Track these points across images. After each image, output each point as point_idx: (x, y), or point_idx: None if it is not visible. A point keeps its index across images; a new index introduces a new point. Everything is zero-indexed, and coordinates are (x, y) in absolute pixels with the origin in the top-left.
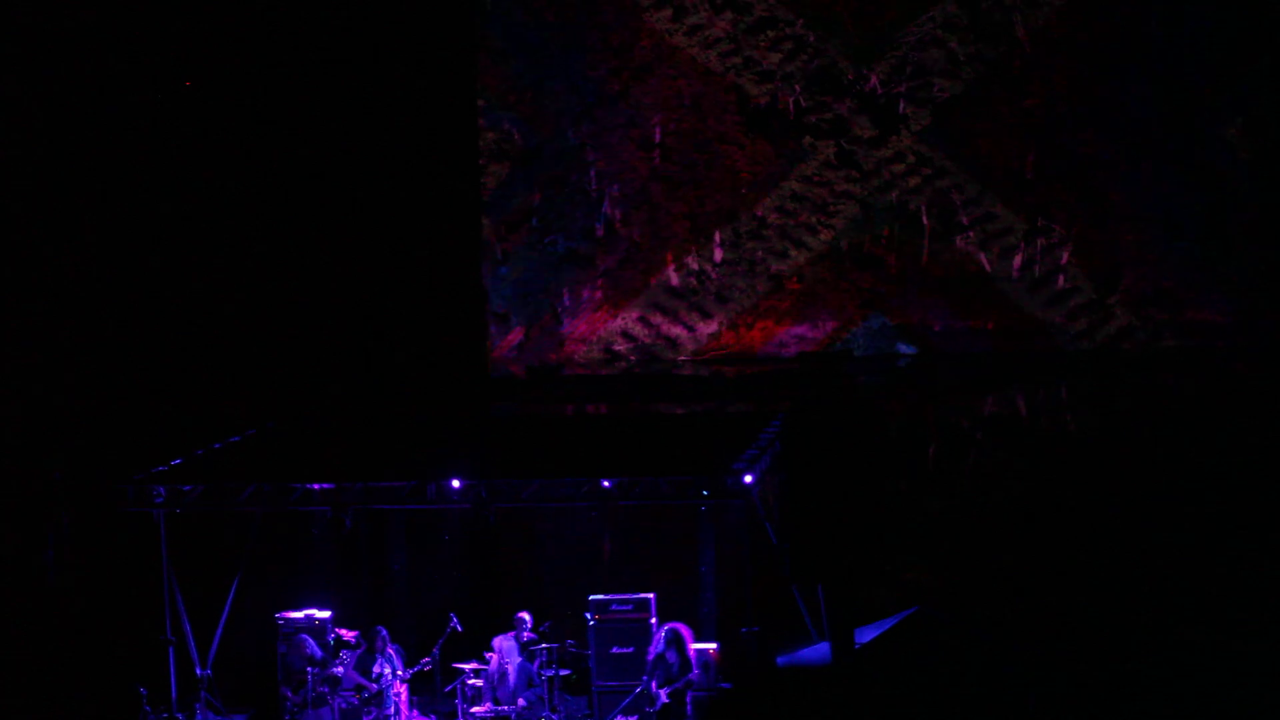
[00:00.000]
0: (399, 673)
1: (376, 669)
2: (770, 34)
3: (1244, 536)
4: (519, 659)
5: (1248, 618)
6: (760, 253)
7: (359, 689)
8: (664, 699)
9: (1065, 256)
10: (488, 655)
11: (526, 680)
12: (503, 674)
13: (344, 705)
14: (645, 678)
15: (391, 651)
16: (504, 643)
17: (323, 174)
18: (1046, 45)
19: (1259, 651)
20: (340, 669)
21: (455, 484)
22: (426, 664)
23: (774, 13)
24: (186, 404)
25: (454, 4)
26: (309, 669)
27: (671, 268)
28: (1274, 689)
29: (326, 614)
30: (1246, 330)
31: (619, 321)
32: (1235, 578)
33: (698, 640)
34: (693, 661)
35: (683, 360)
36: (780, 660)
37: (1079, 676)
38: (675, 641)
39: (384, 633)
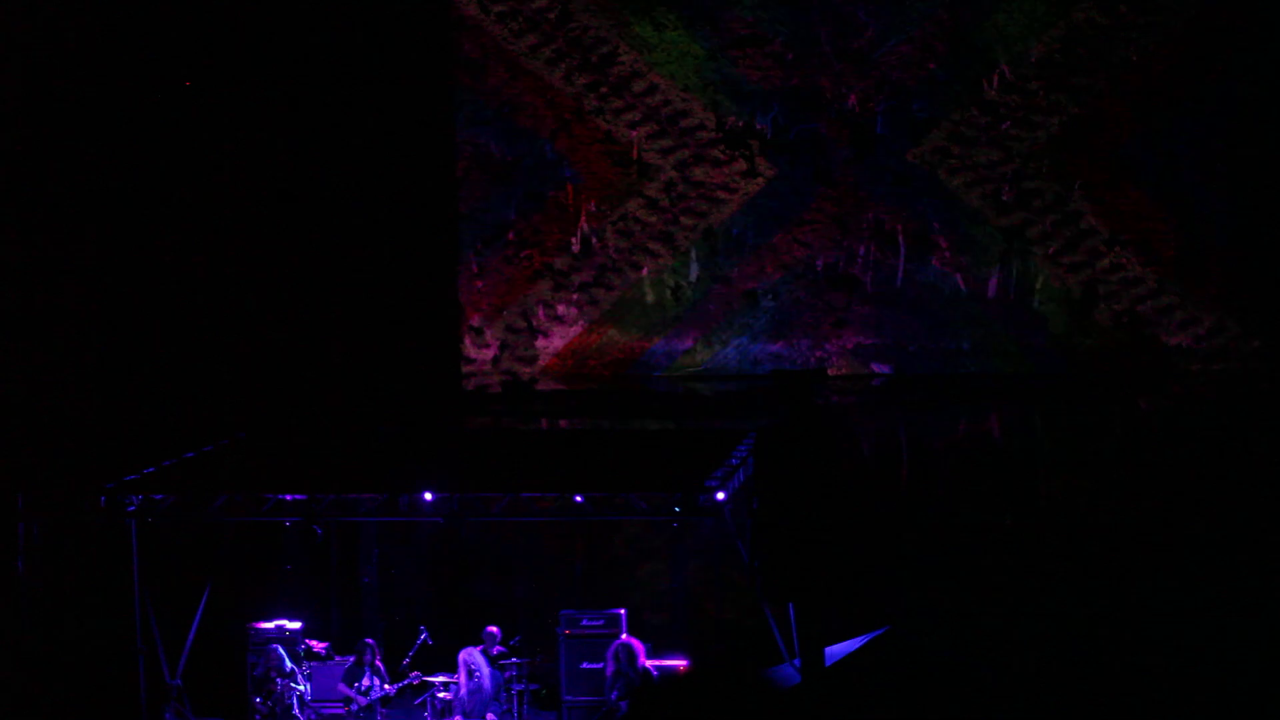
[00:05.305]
0: (386, 686)
1: (365, 682)
2: (749, 51)
3: (1217, 556)
4: (490, 672)
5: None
6: (735, 270)
7: (346, 701)
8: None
9: (1041, 279)
10: (459, 673)
11: (495, 694)
12: (472, 688)
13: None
14: (609, 693)
15: (380, 664)
16: (473, 656)
17: (298, 186)
18: (1024, 68)
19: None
20: (305, 685)
21: (428, 497)
22: (416, 678)
23: (753, 30)
24: (160, 412)
25: (430, 17)
26: (278, 679)
27: (647, 284)
28: None
29: (297, 625)
30: (1220, 355)
31: (594, 337)
32: (1211, 595)
33: (669, 657)
34: (651, 672)
35: (657, 376)
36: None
37: (1049, 695)
38: (627, 656)
39: (372, 644)
